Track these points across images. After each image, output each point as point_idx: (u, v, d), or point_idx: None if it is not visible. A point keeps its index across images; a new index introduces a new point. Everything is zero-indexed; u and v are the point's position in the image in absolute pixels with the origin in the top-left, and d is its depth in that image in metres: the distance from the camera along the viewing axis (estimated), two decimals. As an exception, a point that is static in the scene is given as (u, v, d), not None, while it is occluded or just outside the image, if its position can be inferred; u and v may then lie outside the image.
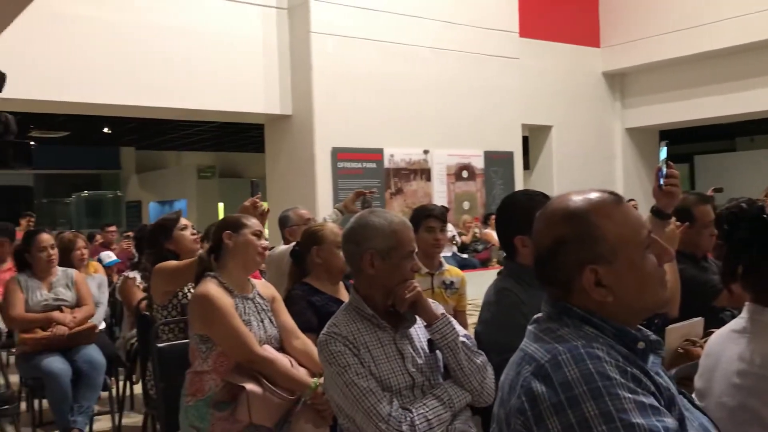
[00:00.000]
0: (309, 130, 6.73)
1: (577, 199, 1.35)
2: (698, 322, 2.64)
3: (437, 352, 2.16)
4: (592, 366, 1.19)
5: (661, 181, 2.43)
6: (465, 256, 8.36)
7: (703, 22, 8.26)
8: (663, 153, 2.46)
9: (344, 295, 2.98)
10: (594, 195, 1.35)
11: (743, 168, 12.84)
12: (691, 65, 8.71)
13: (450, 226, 6.97)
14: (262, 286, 2.87)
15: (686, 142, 13.07)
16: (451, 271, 3.65)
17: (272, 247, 4.01)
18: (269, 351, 2.59)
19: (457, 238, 8.08)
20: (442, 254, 3.69)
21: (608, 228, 1.30)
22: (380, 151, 7.14)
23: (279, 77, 6.85)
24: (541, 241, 1.36)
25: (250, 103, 6.78)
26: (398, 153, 7.27)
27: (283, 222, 4.31)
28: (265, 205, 3.23)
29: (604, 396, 1.16)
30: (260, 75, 6.76)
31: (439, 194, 7.58)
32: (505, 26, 7.93)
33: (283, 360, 2.61)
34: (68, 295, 4.36)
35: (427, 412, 2.00)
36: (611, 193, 1.37)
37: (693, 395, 1.77)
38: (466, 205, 7.98)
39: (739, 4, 7.96)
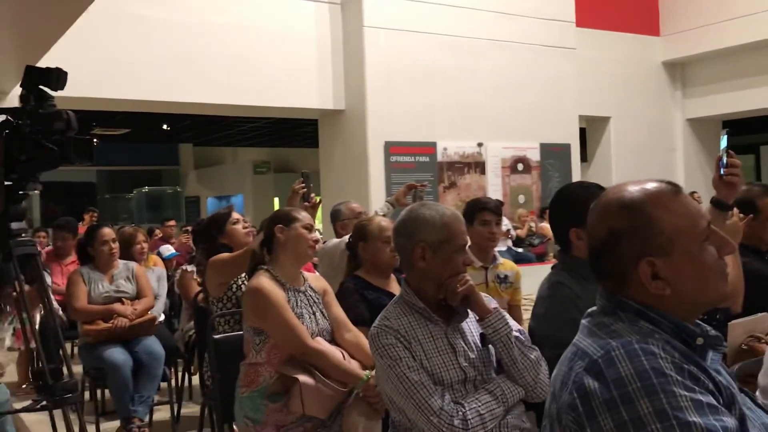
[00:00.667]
0: (362, 125, 6.75)
1: (633, 189, 1.31)
2: (763, 317, 2.54)
3: (490, 346, 2.13)
4: (647, 362, 1.15)
5: (722, 171, 2.35)
6: (520, 250, 8.25)
7: (766, 8, 7.95)
8: (723, 142, 2.38)
9: (396, 289, 2.97)
10: (650, 185, 1.31)
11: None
12: (755, 52, 8.40)
13: (505, 220, 6.89)
14: (314, 279, 2.89)
15: (751, 132, 12.61)
16: (506, 265, 3.61)
17: (325, 241, 4.04)
18: (321, 343, 2.61)
19: (513, 232, 7.98)
20: (497, 248, 3.65)
21: (665, 219, 1.26)
22: (433, 145, 7.11)
23: (332, 72, 6.89)
24: (596, 233, 1.33)
25: (304, 98, 6.84)
26: (452, 146, 7.22)
27: (335, 216, 4.34)
28: (317, 198, 3.25)
29: (659, 393, 1.12)
30: (314, 70, 6.81)
31: (494, 187, 7.51)
32: (562, 16, 7.78)
33: (335, 352, 2.62)
34: (129, 288, 4.48)
35: (479, 407, 1.97)
36: (669, 183, 1.32)
37: (757, 393, 1.70)
38: (521, 198, 7.88)
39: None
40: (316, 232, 2.90)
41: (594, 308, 1.35)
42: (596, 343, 1.24)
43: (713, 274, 1.28)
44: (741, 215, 2.68)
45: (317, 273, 3.39)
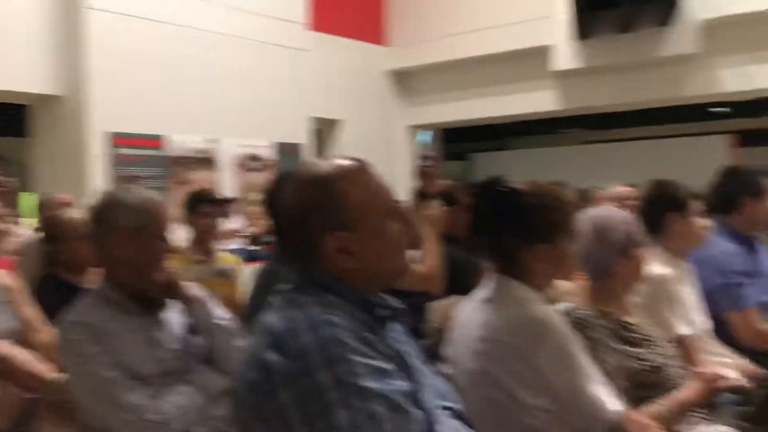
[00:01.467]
0: (82, 113, 6.21)
1: (322, 165, 1.33)
2: (457, 300, 2.76)
3: (196, 336, 2.03)
4: (327, 332, 1.16)
5: (421, 164, 2.53)
6: (256, 248, 8.20)
7: (482, 27, 8.76)
8: (421, 138, 2.57)
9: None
10: (339, 162, 1.33)
11: (513, 165, 13.92)
12: (470, 67, 9.21)
13: (240, 218, 6.80)
14: (0, 275, 2.55)
15: (464, 140, 13.93)
16: (226, 259, 3.54)
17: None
18: (4, 346, 2.30)
19: (247, 230, 7.90)
20: (231, 246, 3.57)
21: (352, 194, 1.28)
22: (164, 138, 6.78)
23: (49, 54, 6.22)
24: (288, 208, 1.32)
25: (11, 80, 6.10)
26: (183, 141, 6.95)
27: (42, 207, 3.93)
28: (11, 185, 2.89)
29: (339, 362, 1.13)
30: (24, 51, 6.09)
31: (227, 184, 7.37)
32: (294, 17, 7.89)
33: (20, 355, 2.32)
34: None
35: (179, 398, 1.87)
36: (357, 159, 1.35)
37: (444, 364, 1.82)
38: (255, 196, 7.83)
39: (516, 11, 8.55)
40: (12, 224, 2.57)
41: (283, 286, 1.34)
42: (280, 317, 1.22)
43: (394, 249, 1.32)
44: (443, 207, 2.89)
45: (8, 268, 3.01)
